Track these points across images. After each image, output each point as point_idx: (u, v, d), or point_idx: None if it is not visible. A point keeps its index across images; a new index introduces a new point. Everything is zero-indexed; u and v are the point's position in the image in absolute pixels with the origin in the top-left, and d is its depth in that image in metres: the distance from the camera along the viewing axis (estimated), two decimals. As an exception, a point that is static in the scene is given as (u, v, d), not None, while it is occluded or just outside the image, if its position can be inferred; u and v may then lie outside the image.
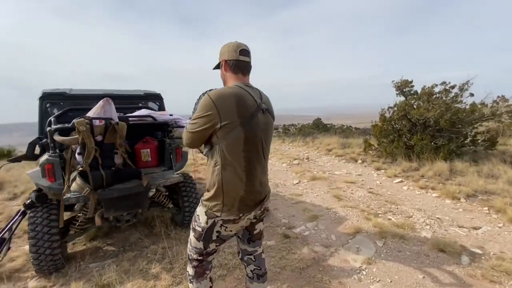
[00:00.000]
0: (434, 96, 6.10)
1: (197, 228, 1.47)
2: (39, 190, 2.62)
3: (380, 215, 3.51)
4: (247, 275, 1.71)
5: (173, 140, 3.12)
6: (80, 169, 2.26)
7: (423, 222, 3.29)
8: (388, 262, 2.49)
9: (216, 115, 1.26)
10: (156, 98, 3.65)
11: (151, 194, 3.10)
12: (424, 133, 5.95)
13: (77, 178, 2.22)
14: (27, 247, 3.00)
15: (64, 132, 2.40)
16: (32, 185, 5.99)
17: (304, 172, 6.12)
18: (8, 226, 2.51)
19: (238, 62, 1.40)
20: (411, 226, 3.16)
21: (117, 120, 2.52)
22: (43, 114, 2.92)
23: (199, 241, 1.48)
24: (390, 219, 3.40)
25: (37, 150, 2.88)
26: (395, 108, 6.53)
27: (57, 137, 2.30)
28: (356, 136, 12.88)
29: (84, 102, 3.13)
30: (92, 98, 3.15)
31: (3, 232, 2.45)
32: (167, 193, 3.33)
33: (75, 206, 2.71)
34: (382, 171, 5.88)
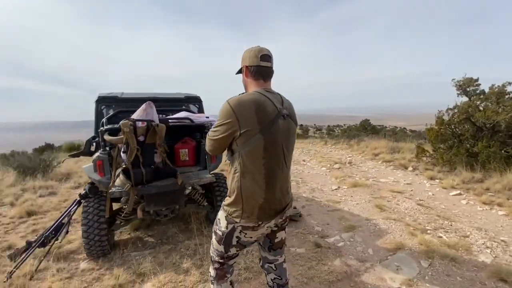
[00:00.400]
0: (507, 96, 5.20)
1: (218, 231, 1.48)
2: (92, 183, 2.97)
3: (428, 232, 3.12)
4: (267, 283, 1.68)
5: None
6: (124, 166, 2.48)
7: (483, 244, 2.83)
8: (433, 287, 2.20)
9: (236, 122, 1.25)
10: (195, 101, 3.83)
11: (187, 191, 3.26)
12: (492, 139, 5.13)
13: (120, 175, 2.45)
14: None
15: (112, 132, 2.67)
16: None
17: (345, 178, 5.80)
18: (66, 212, 2.89)
19: (259, 68, 1.37)
20: (466, 248, 2.74)
21: (158, 122, 2.71)
22: (98, 115, 3.30)
23: (220, 244, 1.49)
24: (440, 237, 3.00)
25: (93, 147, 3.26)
26: (456, 110, 5.75)
27: (107, 137, 2.57)
28: (410, 140, 11.75)
29: (133, 104, 3.45)
30: (139, 101, 3.44)
31: (62, 218, 2.83)
32: (203, 192, 3.48)
33: (121, 199, 2.99)
34: (437, 181, 5.25)
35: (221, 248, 1.49)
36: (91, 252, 2.69)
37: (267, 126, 1.27)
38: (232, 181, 1.37)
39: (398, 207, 3.96)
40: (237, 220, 1.37)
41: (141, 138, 2.61)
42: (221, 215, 1.47)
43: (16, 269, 2.45)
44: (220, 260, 1.55)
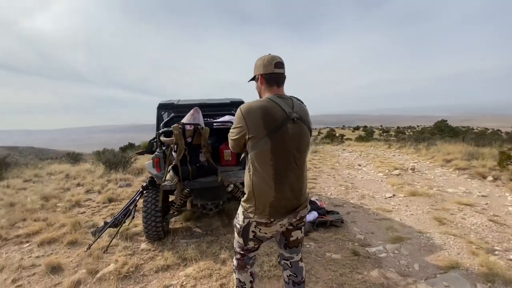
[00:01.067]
0: None
1: (237, 225, 1.62)
2: (151, 177, 3.49)
3: (496, 252, 2.65)
4: (284, 280, 1.74)
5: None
6: (174, 163, 2.86)
7: None
8: (489, 316, 1.90)
9: (245, 127, 1.40)
10: (239, 105, 4.07)
11: (230, 189, 3.52)
12: None
13: (170, 171, 2.84)
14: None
15: (167, 134, 3.10)
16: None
17: (403, 185, 5.27)
18: (132, 200, 3.46)
19: (273, 75, 1.47)
20: (547, 277, 2.24)
21: (203, 125, 3.03)
22: (159, 120, 3.84)
23: (239, 237, 1.62)
24: (511, 260, 2.52)
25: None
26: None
27: (162, 138, 3.00)
28: (497, 145, 9.87)
29: (186, 110, 3.90)
30: (191, 107, 3.87)
31: (128, 205, 3.40)
32: (243, 190, 3.69)
33: (175, 192, 3.43)
34: (524, 195, 4.33)
35: (241, 240, 1.62)
36: (148, 235, 3.17)
37: (274, 130, 1.36)
38: (246, 179, 1.50)
39: (463, 222, 3.44)
40: (251, 215, 1.47)
41: (189, 140, 2.96)
42: (239, 210, 1.59)
43: (94, 243, 3.06)
44: (241, 251, 1.68)
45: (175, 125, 2.83)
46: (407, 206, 4.17)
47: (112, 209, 4.68)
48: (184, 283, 2.40)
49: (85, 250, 2.98)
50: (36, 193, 5.76)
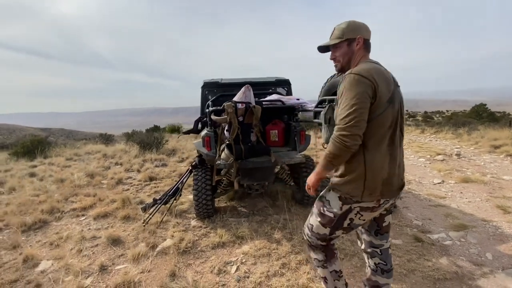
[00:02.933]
0: None
1: (327, 213, 1.40)
2: (199, 156, 3.48)
3: None
4: (369, 266, 1.61)
5: (298, 123, 3.29)
6: (227, 142, 2.81)
7: None
8: None
9: (370, 93, 1.20)
10: (285, 84, 3.93)
11: (276, 170, 3.45)
12: None
13: (225, 150, 2.79)
14: (190, 196, 4.10)
15: (217, 113, 3.04)
16: (193, 152, 7.94)
17: (451, 171, 4.96)
18: (180, 180, 3.49)
19: (368, 42, 1.40)
20: None
21: (254, 104, 2.92)
22: (203, 99, 3.78)
23: (325, 227, 1.42)
24: None
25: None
26: None
27: (213, 117, 2.94)
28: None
29: (230, 89, 3.80)
30: (236, 86, 3.78)
31: (178, 183, 3.44)
32: (289, 172, 3.61)
33: (222, 171, 3.42)
34: None
35: (326, 231, 1.43)
36: (199, 213, 3.20)
37: (392, 95, 1.25)
38: (351, 157, 1.27)
39: (531, 211, 3.17)
40: (358, 199, 1.29)
41: (240, 118, 2.88)
42: (332, 196, 1.39)
43: (149, 218, 3.15)
44: (323, 243, 1.49)
45: (228, 103, 2.75)
46: (461, 193, 3.91)
47: (154, 187, 4.81)
48: (244, 260, 2.40)
49: (143, 224, 3.07)
50: (80, 170, 6.06)
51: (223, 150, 2.84)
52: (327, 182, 1.51)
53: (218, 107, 3.02)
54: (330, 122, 1.45)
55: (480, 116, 17.92)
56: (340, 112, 1.23)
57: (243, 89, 2.90)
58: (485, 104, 18.55)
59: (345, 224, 1.39)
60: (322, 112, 1.53)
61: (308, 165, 3.36)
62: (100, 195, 4.34)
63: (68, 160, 7.82)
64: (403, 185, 1.38)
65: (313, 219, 1.48)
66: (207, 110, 3.34)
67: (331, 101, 2.66)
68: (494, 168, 5.10)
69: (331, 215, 1.39)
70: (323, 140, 1.53)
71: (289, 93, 3.93)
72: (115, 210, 3.69)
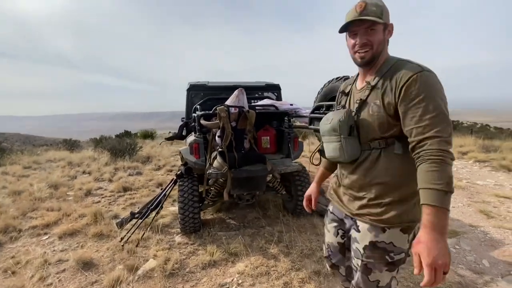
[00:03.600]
0: None
1: (397, 257, 1.09)
2: (185, 164, 3.20)
3: None
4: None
5: (292, 129, 3.16)
6: (220, 149, 2.58)
7: None
8: None
9: None
10: (275, 89, 3.80)
11: (267, 179, 3.27)
12: None
13: (218, 157, 2.55)
14: (172, 208, 3.77)
15: (206, 117, 2.80)
16: (171, 160, 7.50)
17: (430, 177, 5.13)
18: (163, 191, 3.16)
19: None
20: None
21: (247, 108, 2.74)
22: (189, 102, 3.52)
23: (394, 271, 1.13)
24: None
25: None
26: None
27: (203, 121, 2.70)
28: (504, 138, 9.92)
29: (218, 92, 3.58)
30: (224, 89, 3.57)
31: (160, 195, 3.11)
32: (280, 180, 3.45)
33: (209, 181, 3.16)
34: (559, 188, 4.24)
35: (394, 273, 1.13)
36: (185, 228, 2.90)
37: None
38: (411, 171, 0.98)
39: (510, 215, 3.31)
40: (419, 218, 0.98)
41: (233, 124, 2.67)
42: (392, 235, 1.06)
43: (130, 235, 2.77)
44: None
45: (220, 107, 2.53)
46: (443, 198, 4.02)
47: (130, 198, 4.38)
48: (240, 281, 2.16)
49: (121, 243, 2.69)
50: (41, 180, 5.39)
51: (215, 158, 2.60)
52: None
53: (208, 111, 2.79)
54: (351, 132, 1.13)
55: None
56: (435, 119, 0.93)
57: (236, 92, 2.71)
58: (445, 114, 20.13)
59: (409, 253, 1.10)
60: (338, 118, 1.14)
61: (301, 173, 3.23)
62: (65, 209, 3.83)
63: (26, 169, 6.97)
64: None
65: (378, 275, 1.11)
66: (194, 114, 3.09)
67: (330, 106, 2.57)
68: (466, 174, 5.39)
69: (403, 255, 1.10)
70: (346, 158, 1.15)
71: (279, 98, 3.80)
72: (85, 227, 3.24)
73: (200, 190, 3.04)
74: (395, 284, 1.17)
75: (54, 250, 2.79)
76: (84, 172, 6.39)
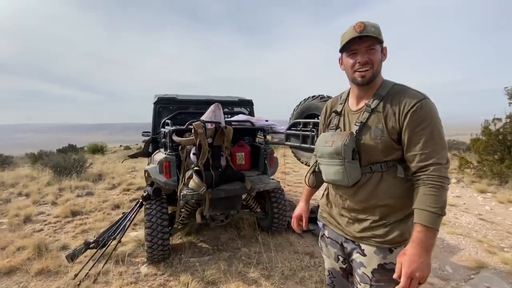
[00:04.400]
0: None
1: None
2: (151, 184, 2.91)
3: (506, 249, 2.88)
4: None
5: (268, 145, 3.13)
6: (196, 168, 2.40)
7: None
8: (538, 314, 1.98)
9: None
10: (248, 104, 3.77)
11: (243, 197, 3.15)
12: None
13: (194, 177, 2.37)
14: (133, 233, 3.38)
15: (178, 133, 2.61)
16: (126, 177, 6.86)
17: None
18: (127, 215, 2.82)
19: None
20: (558, 270, 2.49)
21: (224, 124, 2.63)
22: (156, 116, 3.26)
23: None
24: (524, 256, 2.75)
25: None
26: (508, 120, 5.45)
27: (175, 138, 2.50)
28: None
29: (188, 106, 3.41)
30: (196, 103, 3.41)
31: (123, 219, 2.77)
32: (253, 198, 3.36)
33: (180, 202, 2.91)
34: (489, 194, 4.93)
35: None
36: (152, 256, 2.59)
37: None
38: (410, 191, 1.04)
39: (458, 221, 3.71)
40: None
41: (209, 140, 2.54)
42: (397, 255, 0.99)
43: (87, 271, 2.38)
44: None
45: (197, 122, 2.39)
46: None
47: (80, 224, 3.82)
48: (222, 313, 1.98)
49: (77, 282, 2.27)
50: (-39, 207, 4.43)
51: (190, 177, 2.41)
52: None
53: (181, 127, 2.61)
54: (354, 157, 1.10)
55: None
56: (437, 146, 0.98)
57: (212, 107, 2.59)
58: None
59: None
60: (342, 143, 1.09)
61: (277, 189, 3.19)
62: (-2, 241, 3.17)
63: None
64: None
65: None
66: (163, 129, 2.86)
67: (306, 124, 2.61)
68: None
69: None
70: (336, 177, 1.14)
71: (251, 113, 3.77)
72: (26, 262, 2.71)
73: (170, 213, 2.78)
74: None
75: (-18, 297, 2.24)
76: (20, 194, 5.46)
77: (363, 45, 1.07)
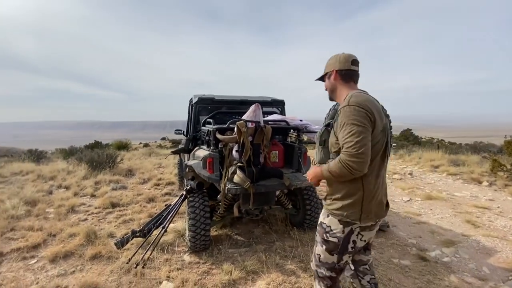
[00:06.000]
0: None
1: (331, 239, 1.43)
2: (193, 179, 3.10)
3: (546, 254, 2.83)
4: (364, 286, 1.67)
5: (302, 144, 3.23)
6: (240, 164, 2.55)
7: None
8: None
9: (370, 124, 1.27)
10: (280, 104, 3.88)
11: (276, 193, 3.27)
12: None
13: (238, 172, 2.52)
14: (172, 225, 3.58)
15: (220, 131, 2.77)
16: (155, 173, 7.16)
17: (413, 189, 5.49)
18: (172, 207, 3.00)
19: (350, 72, 1.46)
20: None
21: (263, 123, 2.76)
22: (196, 115, 3.45)
23: (332, 254, 1.44)
24: None
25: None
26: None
27: (219, 136, 2.66)
28: (467, 153, 10.94)
29: (224, 106, 3.58)
30: (231, 103, 3.58)
31: (168, 211, 2.96)
32: (286, 194, 3.48)
33: (218, 196, 3.08)
34: (524, 198, 4.77)
35: (333, 258, 1.45)
36: (195, 246, 2.78)
37: (385, 126, 1.35)
38: (350, 182, 1.35)
39: (493, 224, 3.65)
40: (355, 221, 1.36)
41: (250, 139, 2.67)
42: (331, 221, 1.43)
43: (142, 256, 2.58)
44: (332, 274, 1.49)
45: (240, 122, 2.53)
46: (431, 209, 4.32)
47: (120, 215, 4.09)
48: (266, 300, 2.12)
49: (135, 266, 2.47)
50: (12, 196, 4.84)
51: (233, 172, 2.56)
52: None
53: (223, 125, 2.77)
54: (324, 144, 1.51)
55: (407, 140, 20.89)
56: (347, 139, 1.24)
57: (252, 107, 2.73)
58: (411, 129, 21.86)
59: (350, 248, 1.42)
60: (317, 134, 1.60)
61: (310, 187, 3.29)
62: (49, 228, 3.49)
63: (-12, 183, 6.24)
64: (388, 204, 1.50)
65: (319, 249, 1.50)
66: (204, 127, 3.04)
67: (328, 125, 2.69)
68: (444, 186, 5.85)
69: (335, 240, 1.42)
70: (317, 160, 1.60)
71: (283, 113, 3.88)
72: (79, 248, 2.97)
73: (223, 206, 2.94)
74: (324, 264, 1.51)
75: (47, 276, 2.51)
76: (60, 187, 5.87)
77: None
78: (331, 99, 1.58)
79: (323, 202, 1.52)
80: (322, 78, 1.59)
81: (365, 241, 1.45)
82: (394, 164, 9.23)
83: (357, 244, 1.43)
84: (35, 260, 2.78)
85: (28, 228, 3.51)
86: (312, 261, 1.60)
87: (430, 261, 2.68)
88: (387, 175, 6.80)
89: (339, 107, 1.35)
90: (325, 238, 1.45)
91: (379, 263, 2.64)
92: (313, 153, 2.08)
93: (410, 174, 7.02)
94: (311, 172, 1.50)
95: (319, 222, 1.52)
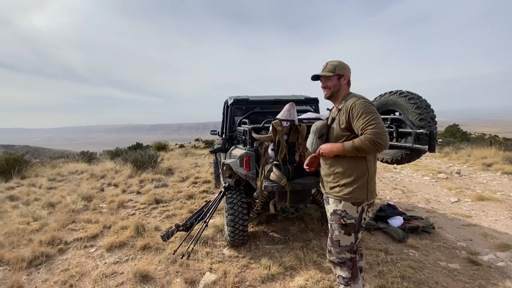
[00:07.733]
0: None
1: (348, 222, 1.64)
2: (230, 176, 3.23)
3: None
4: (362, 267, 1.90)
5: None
6: (276, 162, 2.61)
7: None
8: None
9: None
10: (313, 102, 3.87)
11: (312, 191, 3.27)
12: None
13: (275, 170, 2.59)
14: (210, 220, 3.77)
15: (256, 130, 2.86)
16: (193, 171, 7.52)
17: (462, 190, 5.08)
18: (212, 203, 3.17)
19: (350, 80, 1.79)
20: None
21: (298, 122, 2.79)
22: (232, 115, 3.59)
23: (350, 235, 1.66)
24: None
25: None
26: None
27: (255, 135, 2.75)
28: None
29: (258, 106, 3.67)
30: (265, 103, 3.65)
31: (208, 207, 3.13)
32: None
33: (254, 193, 3.18)
34: None
35: (352, 238, 1.67)
36: (233, 240, 2.90)
37: None
38: (355, 166, 1.62)
39: (558, 228, 3.25)
40: (365, 200, 1.62)
41: (285, 137, 2.72)
42: (345, 205, 1.64)
43: (187, 248, 2.78)
44: (352, 255, 1.70)
45: (275, 121, 2.59)
46: (483, 211, 3.97)
47: (164, 210, 4.39)
48: (305, 295, 2.15)
49: (181, 257, 2.68)
50: (71, 192, 5.47)
51: (269, 170, 2.64)
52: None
53: (258, 125, 2.86)
54: (322, 138, 1.78)
55: (454, 136, 19.17)
56: (370, 122, 1.49)
57: (287, 106, 2.77)
58: (458, 125, 20.01)
59: (362, 225, 1.68)
60: (316, 127, 1.81)
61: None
62: (104, 221, 3.88)
63: (51, 181, 7.09)
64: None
65: (337, 235, 1.70)
66: (240, 127, 3.15)
67: (390, 120, 2.61)
68: (498, 186, 5.32)
69: (352, 221, 1.64)
70: (311, 150, 1.85)
71: (316, 111, 3.86)
72: (130, 239, 3.27)
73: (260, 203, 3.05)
74: (344, 247, 1.74)
75: (105, 263, 2.81)
76: (109, 184, 6.47)
77: (322, 77, 1.78)
78: (329, 98, 1.79)
79: (329, 193, 1.74)
80: (326, 77, 1.76)
81: (369, 217, 1.75)
82: (439, 162, 8.61)
83: (366, 220, 1.70)
84: (94, 249, 3.13)
85: (87, 221, 3.94)
86: (329, 251, 1.77)
87: (483, 265, 2.49)
88: (431, 174, 6.40)
89: (347, 103, 1.62)
90: (343, 222, 1.65)
91: (424, 266, 2.52)
92: None
93: (458, 173, 6.49)
94: (328, 147, 1.68)
95: (331, 211, 1.71)
